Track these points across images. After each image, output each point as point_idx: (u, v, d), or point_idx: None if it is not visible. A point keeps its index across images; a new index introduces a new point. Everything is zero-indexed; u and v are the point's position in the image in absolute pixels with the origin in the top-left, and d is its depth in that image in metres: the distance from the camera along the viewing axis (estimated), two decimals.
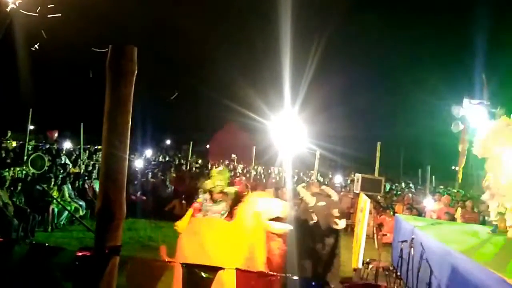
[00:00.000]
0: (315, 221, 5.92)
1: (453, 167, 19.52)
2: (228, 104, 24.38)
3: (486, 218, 7.66)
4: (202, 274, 1.08)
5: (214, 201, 5.32)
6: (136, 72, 2.12)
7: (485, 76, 15.88)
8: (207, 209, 5.30)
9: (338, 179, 19.09)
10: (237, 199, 5.12)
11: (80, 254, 1.63)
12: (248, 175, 16.93)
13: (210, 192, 5.36)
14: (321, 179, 20.00)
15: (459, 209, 9.25)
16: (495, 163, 6.15)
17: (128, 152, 2.24)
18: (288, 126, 16.10)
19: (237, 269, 1.05)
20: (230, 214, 5.36)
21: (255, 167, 19.28)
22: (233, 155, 23.86)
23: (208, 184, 5.43)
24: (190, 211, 5.52)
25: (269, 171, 21.47)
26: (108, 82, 2.04)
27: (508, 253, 4.88)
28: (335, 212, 6.03)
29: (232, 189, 5.64)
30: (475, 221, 8.84)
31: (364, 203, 6.73)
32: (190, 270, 1.28)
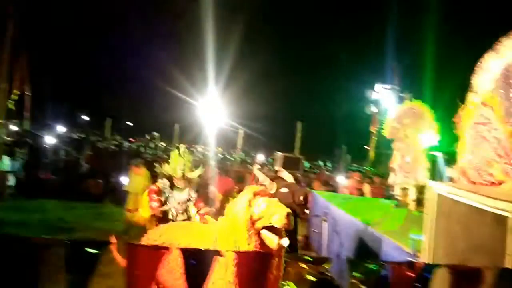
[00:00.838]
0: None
1: (366, 147, 20.96)
2: (150, 80, 23.39)
3: (392, 193, 8.34)
4: (88, 250, 0.97)
5: (177, 188, 4.66)
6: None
7: (397, 63, 17.07)
8: (168, 196, 4.60)
9: (261, 157, 19.47)
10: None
11: None
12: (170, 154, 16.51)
13: (170, 178, 4.65)
14: (247, 159, 20.33)
15: (367, 185, 9.97)
16: (401, 143, 6.66)
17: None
18: (211, 104, 15.98)
19: (128, 243, 0.96)
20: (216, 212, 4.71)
21: (177, 145, 18.86)
22: (155, 133, 23.04)
23: (167, 169, 4.67)
24: (145, 195, 4.82)
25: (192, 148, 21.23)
26: None
27: (408, 224, 5.37)
28: (301, 200, 5.18)
29: (195, 174, 5.04)
30: (382, 196, 9.60)
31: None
32: (75, 247, 1.14)
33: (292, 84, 32.19)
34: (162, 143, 22.36)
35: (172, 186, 4.65)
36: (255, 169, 5.82)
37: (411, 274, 1.01)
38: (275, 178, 5.34)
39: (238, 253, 0.94)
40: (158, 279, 1.46)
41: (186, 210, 4.64)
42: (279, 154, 8.60)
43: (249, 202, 2.52)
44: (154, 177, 9.77)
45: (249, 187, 2.83)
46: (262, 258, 0.94)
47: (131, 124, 35.79)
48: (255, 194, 2.61)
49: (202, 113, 16.18)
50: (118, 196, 9.47)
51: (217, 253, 0.85)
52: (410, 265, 1.00)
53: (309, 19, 32.24)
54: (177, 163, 4.65)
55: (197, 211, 4.67)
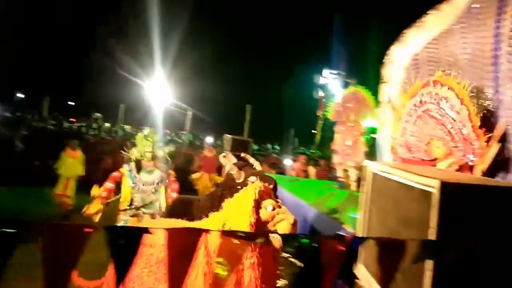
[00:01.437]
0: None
1: (314, 131, 21.56)
2: (94, 57, 22.19)
3: (335, 174, 8.66)
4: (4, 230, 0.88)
5: (145, 170, 4.61)
6: None
7: (343, 50, 17.54)
8: (136, 181, 4.49)
9: (210, 139, 19.34)
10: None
11: None
12: (114, 135, 15.90)
13: (138, 162, 4.59)
14: (196, 141, 20.06)
15: (312, 167, 10.28)
16: (343, 126, 6.91)
17: None
18: (158, 84, 15.52)
19: (48, 223, 0.89)
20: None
21: (122, 126, 18.18)
22: (98, 114, 21.95)
23: (133, 153, 4.59)
24: (95, 189, 4.40)
25: (138, 130, 20.57)
26: None
27: (347, 204, 5.64)
28: (271, 188, 4.90)
29: (163, 151, 4.82)
30: (326, 178, 9.95)
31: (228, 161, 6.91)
32: None
33: (241, 68, 32.23)
34: (106, 124, 21.45)
35: (139, 169, 4.58)
36: (221, 156, 5.34)
37: (341, 247, 1.06)
38: (242, 166, 5.07)
39: (169, 230, 0.93)
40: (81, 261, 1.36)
41: (155, 191, 4.59)
42: (228, 137, 8.58)
43: (255, 202, 2.07)
44: (91, 159, 9.34)
45: (254, 185, 2.37)
46: (195, 234, 0.93)
47: (72, 104, 33.95)
48: (261, 194, 2.18)
49: (149, 93, 15.68)
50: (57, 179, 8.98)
51: (146, 231, 0.83)
52: (340, 238, 1.05)
53: (260, 5, 32.23)
54: (144, 146, 4.57)
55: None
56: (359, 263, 1.71)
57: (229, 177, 4.17)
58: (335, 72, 17.69)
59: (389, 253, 1.14)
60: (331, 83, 17.22)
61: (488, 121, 2.79)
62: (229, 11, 33.29)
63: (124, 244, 0.88)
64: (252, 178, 4.59)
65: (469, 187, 1.17)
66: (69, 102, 34.22)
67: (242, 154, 4.98)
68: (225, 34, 30.93)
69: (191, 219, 2.36)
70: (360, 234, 1.67)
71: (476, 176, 1.37)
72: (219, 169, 10.01)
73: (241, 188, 3.79)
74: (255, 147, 17.97)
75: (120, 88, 20.58)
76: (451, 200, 1.12)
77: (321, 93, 18.05)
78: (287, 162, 12.15)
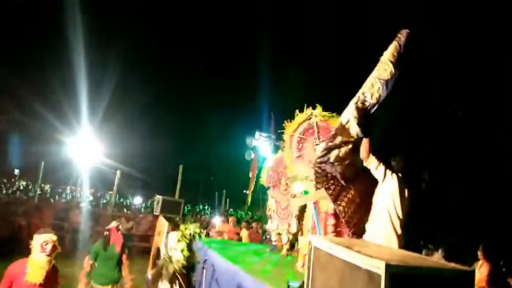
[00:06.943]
0: None
1: (245, 192, 21.60)
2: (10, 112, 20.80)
3: (268, 237, 8.62)
4: None
5: None
6: None
7: (273, 113, 18.38)
8: None
9: (138, 200, 18.47)
10: None
11: None
12: (32, 194, 14.52)
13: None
14: (125, 201, 18.95)
15: (245, 230, 10.16)
16: (275, 190, 7.02)
17: None
18: (84, 142, 14.78)
19: None
20: None
21: (42, 185, 16.70)
22: (16, 170, 20.06)
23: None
24: None
25: (60, 190, 18.99)
26: None
27: (281, 269, 5.61)
28: None
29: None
30: (259, 240, 9.87)
31: (163, 226, 6.60)
32: None
33: (174, 128, 32.12)
34: (23, 182, 19.57)
35: None
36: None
37: None
38: None
39: None
40: None
41: None
42: (159, 197, 8.26)
43: None
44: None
45: None
46: None
47: None
48: None
49: (73, 151, 14.82)
50: None
51: None
52: None
53: (192, 68, 33.29)
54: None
55: None
56: None
57: None
58: (265, 135, 18.20)
59: None
60: (262, 146, 17.67)
61: None
62: (160, 69, 33.73)
63: None
64: None
65: (413, 269, 1.22)
66: None
67: None
68: (154, 93, 30.99)
69: None
70: None
71: (418, 255, 1.43)
72: None
73: None
74: (187, 208, 17.47)
75: (39, 144, 19.20)
76: (397, 282, 1.15)
77: (252, 155, 18.37)
78: (219, 224, 11.93)
